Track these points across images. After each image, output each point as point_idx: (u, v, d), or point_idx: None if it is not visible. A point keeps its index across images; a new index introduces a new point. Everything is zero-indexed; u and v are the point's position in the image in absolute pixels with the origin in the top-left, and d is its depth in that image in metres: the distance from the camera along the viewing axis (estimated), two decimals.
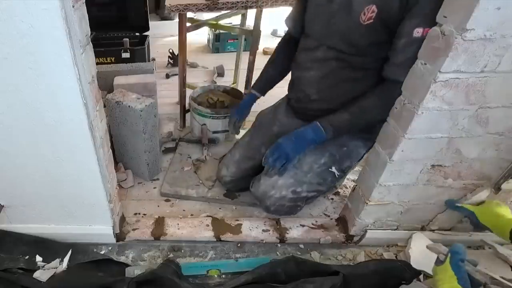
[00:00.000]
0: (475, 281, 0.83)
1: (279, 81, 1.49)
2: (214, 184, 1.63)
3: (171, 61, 2.99)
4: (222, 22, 2.12)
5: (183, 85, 1.95)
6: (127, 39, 2.55)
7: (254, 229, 1.40)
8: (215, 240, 1.37)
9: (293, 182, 1.29)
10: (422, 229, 1.30)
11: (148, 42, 2.64)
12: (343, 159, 1.30)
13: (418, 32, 0.92)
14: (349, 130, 1.21)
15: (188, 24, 1.77)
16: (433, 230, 1.29)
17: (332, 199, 1.59)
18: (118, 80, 1.76)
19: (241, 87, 2.10)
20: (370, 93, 1.12)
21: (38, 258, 1.28)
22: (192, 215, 1.51)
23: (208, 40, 3.44)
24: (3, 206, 1.23)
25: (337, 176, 1.32)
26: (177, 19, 1.73)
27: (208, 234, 1.38)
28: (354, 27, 1.05)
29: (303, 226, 1.41)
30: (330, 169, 1.29)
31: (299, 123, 1.31)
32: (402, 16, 0.96)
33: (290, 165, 1.25)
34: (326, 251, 1.35)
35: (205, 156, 1.79)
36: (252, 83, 2.05)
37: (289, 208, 1.35)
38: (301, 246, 1.37)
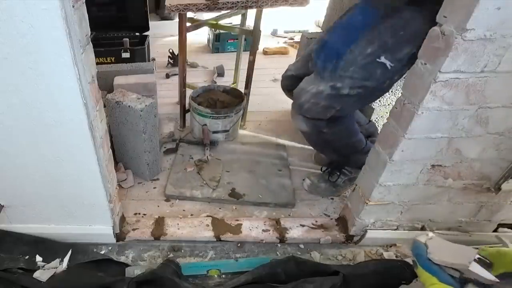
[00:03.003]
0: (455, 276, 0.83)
1: None
2: (218, 184, 1.63)
3: (171, 61, 2.99)
4: (222, 22, 2.11)
5: (183, 85, 1.95)
6: (127, 39, 2.55)
7: (254, 229, 1.40)
8: (215, 240, 1.37)
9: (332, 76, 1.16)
10: (422, 229, 1.30)
11: (148, 42, 2.64)
12: (398, 46, 1.08)
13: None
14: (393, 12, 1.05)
15: (188, 24, 1.77)
16: (432, 230, 1.29)
17: (332, 199, 1.59)
18: (118, 80, 1.76)
19: (241, 87, 2.10)
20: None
21: (38, 258, 1.28)
22: (192, 215, 1.51)
23: (208, 40, 3.44)
24: (3, 206, 1.23)
25: (389, 67, 1.09)
26: (177, 19, 1.73)
27: (208, 234, 1.38)
28: None
29: (303, 226, 1.41)
30: (378, 60, 1.08)
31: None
32: None
33: (343, 61, 1.09)
34: (326, 251, 1.35)
35: (207, 157, 1.80)
36: (252, 83, 2.06)
37: (322, 109, 1.19)
38: (301, 246, 1.37)
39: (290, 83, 1.45)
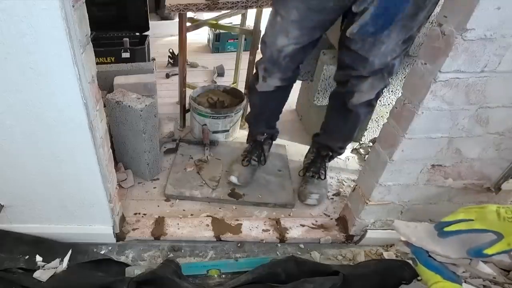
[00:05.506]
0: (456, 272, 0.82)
1: None
2: (218, 184, 1.63)
3: (171, 61, 2.99)
4: (222, 22, 2.11)
5: (183, 85, 1.95)
6: (127, 39, 2.54)
7: (254, 229, 1.40)
8: (215, 240, 1.37)
9: (403, 34, 1.08)
10: None
11: (148, 42, 2.64)
12: None
13: None
14: None
15: (188, 24, 1.77)
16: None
17: (332, 199, 1.59)
18: (118, 80, 1.76)
19: (241, 87, 2.10)
20: None
21: (38, 258, 1.28)
22: (192, 215, 1.51)
23: (208, 40, 3.44)
24: (3, 206, 1.23)
25: None
26: (177, 19, 1.73)
27: (208, 234, 1.38)
28: None
29: (303, 226, 1.41)
30: None
31: None
32: None
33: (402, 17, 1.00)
34: (326, 251, 1.35)
35: (207, 157, 1.80)
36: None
37: (402, 57, 1.11)
38: (301, 246, 1.37)
39: (289, 60, 1.25)
